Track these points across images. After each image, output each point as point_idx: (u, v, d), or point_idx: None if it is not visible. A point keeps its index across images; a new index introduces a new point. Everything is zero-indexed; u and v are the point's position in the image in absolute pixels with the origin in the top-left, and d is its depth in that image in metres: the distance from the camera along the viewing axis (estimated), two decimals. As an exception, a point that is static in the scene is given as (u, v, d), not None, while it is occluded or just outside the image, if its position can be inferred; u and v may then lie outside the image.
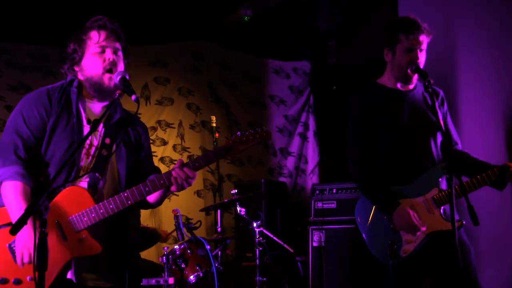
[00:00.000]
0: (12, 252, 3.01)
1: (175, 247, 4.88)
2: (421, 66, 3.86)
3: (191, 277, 4.76)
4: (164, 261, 4.70)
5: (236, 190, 5.56)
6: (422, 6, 5.61)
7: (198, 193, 7.28)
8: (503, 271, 5.02)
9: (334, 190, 5.96)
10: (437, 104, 3.71)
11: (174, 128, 7.30)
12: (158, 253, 5.92)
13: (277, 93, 8.01)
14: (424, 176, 3.79)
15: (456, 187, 3.56)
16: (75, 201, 3.05)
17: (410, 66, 3.83)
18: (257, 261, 5.21)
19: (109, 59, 3.21)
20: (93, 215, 3.03)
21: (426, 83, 3.63)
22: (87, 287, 3.11)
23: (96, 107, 3.29)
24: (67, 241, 3.02)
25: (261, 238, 5.24)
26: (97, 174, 3.14)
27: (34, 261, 2.54)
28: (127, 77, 3.16)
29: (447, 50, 5.41)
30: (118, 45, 3.28)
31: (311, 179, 7.84)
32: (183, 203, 6.91)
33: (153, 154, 6.91)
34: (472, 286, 3.66)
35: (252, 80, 7.95)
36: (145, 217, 6.23)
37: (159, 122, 7.22)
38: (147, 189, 3.09)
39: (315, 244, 5.86)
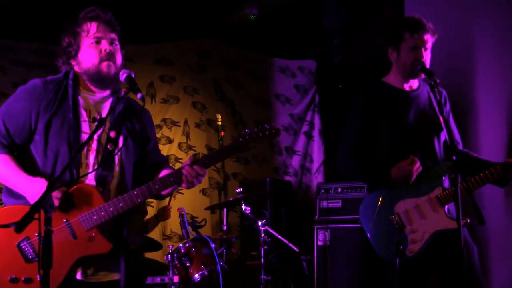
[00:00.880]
0: (21, 251, 3.00)
1: (180, 245, 4.88)
2: (427, 65, 3.86)
3: (196, 275, 4.76)
4: (169, 259, 4.70)
5: (241, 189, 5.55)
6: (428, 4, 5.59)
7: (203, 191, 7.28)
8: (506, 270, 5.01)
9: (339, 189, 5.95)
10: (446, 108, 3.72)
11: (179, 126, 7.30)
12: (163, 252, 5.92)
13: (282, 91, 8.01)
14: (427, 175, 3.79)
15: (463, 184, 3.57)
16: (84, 200, 3.04)
17: (416, 64, 3.82)
18: (262, 259, 5.21)
19: (105, 50, 3.17)
20: (102, 213, 3.02)
21: (432, 83, 3.63)
22: (93, 284, 3.11)
23: (95, 97, 3.25)
24: (77, 239, 3.02)
25: (266, 237, 5.24)
26: (104, 171, 3.13)
27: (39, 259, 2.54)
28: (133, 75, 3.13)
29: (454, 49, 5.39)
30: (113, 35, 3.23)
31: (317, 178, 7.83)
32: (189, 201, 6.91)
33: (159, 152, 7.00)
34: (476, 285, 3.66)
35: (257, 79, 7.94)
36: (150, 215, 6.22)
37: (164, 120, 7.22)
38: (156, 187, 3.09)
39: (320, 243, 5.86)
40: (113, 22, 3.25)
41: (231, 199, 5.59)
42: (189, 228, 5.06)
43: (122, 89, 3.13)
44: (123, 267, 3.19)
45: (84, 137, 3.13)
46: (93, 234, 3.03)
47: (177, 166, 7.08)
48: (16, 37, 6.58)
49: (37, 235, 2.88)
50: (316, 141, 7.97)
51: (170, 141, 7.21)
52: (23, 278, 2.97)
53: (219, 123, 6.20)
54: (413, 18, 3.96)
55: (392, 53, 3.98)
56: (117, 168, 3.20)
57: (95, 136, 3.17)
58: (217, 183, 7.31)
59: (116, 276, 3.18)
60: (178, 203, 6.32)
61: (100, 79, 3.20)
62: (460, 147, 4.04)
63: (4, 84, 6.44)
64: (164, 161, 3.48)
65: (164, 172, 3.29)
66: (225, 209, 5.92)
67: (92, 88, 3.25)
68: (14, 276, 2.97)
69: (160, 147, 6.98)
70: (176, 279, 4.61)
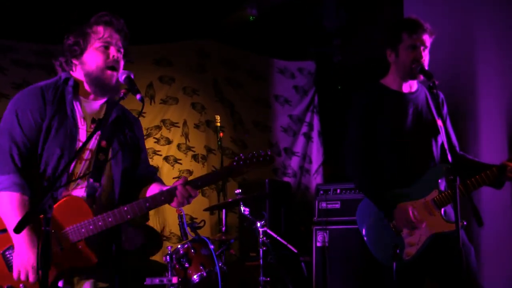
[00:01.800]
0: (6, 259, 2.99)
1: (179, 246, 4.88)
2: (426, 65, 3.86)
3: (195, 276, 4.76)
4: (168, 260, 4.69)
5: (240, 190, 5.55)
6: (426, 4, 5.59)
7: (202, 192, 7.28)
8: (503, 271, 5.02)
9: (338, 190, 5.95)
10: (444, 110, 3.72)
11: (178, 127, 7.30)
12: (161, 253, 5.91)
13: (282, 92, 8.01)
14: (423, 178, 3.80)
15: (460, 186, 3.57)
16: (73, 212, 3.03)
17: (415, 65, 3.82)
18: (261, 261, 5.20)
19: (113, 56, 3.16)
20: (91, 227, 3.01)
21: (431, 84, 3.62)
22: None
23: (93, 105, 3.24)
24: (63, 251, 3.00)
25: (264, 238, 5.24)
26: (95, 183, 3.11)
27: (38, 260, 2.53)
28: (132, 76, 3.12)
29: (453, 49, 5.40)
30: (121, 44, 3.22)
31: (315, 179, 7.83)
32: (187, 202, 6.90)
33: (158, 153, 7.02)
34: (473, 286, 3.66)
35: (257, 80, 7.94)
36: (149, 216, 6.23)
37: (163, 121, 7.21)
38: (147, 204, 3.07)
39: (319, 244, 5.86)
40: (125, 31, 3.25)
41: (230, 200, 5.59)
42: (188, 229, 5.05)
43: (121, 90, 3.12)
44: (117, 279, 3.19)
45: (80, 145, 3.12)
46: (80, 246, 3.02)
47: (176, 166, 7.09)
48: (16, 37, 6.58)
49: (37, 234, 2.91)
50: (315, 142, 7.96)
51: (169, 142, 7.20)
52: (5, 287, 2.95)
53: (218, 124, 6.20)
54: (411, 18, 3.97)
55: (391, 54, 3.98)
56: (106, 178, 3.19)
57: (89, 146, 3.16)
58: (216, 184, 7.30)
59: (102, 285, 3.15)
60: (177, 204, 6.31)
61: (100, 85, 3.17)
62: (457, 150, 4.04)
63: (4, 84, 6.45)
64: (153, 173, 3.46)
65: (154, 187, 3.27)
66: (224, 210, 5.92)
67: (91, 94, 3.22)
68: None
69: (159, 147, 7.02)
70: (175, 280, 4.60)
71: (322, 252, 5.81)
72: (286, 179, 7.77)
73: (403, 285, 3.67)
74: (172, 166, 7.06)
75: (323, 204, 5.95)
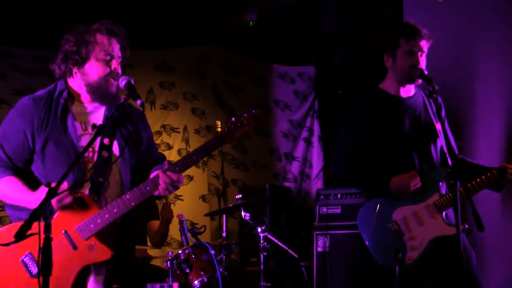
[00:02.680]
0: (26, 266, 3.03)
1: (180, 251, 4.87)
2: (424, 70, 3.87)
3: (196, 282, 4.76)
4: (169, 265, 4.69)
5: (240, 195, 5.55)
6: (427, 8, 5.60)
7: (203, 198, 7.28)
8: (504, 273, 5.02)
9: (339, 195, 5.95)
10: (442, 114, 3.73)
11: (179, 132, 7.31)
12: (162, 258, 5.91)
13: (282, 97, 8.01)
14: (424, 181, 3.79)
15: (461, 189, 3.58)
16: (80, 209, 3.04)
17: (414, 70, 3.83)
18: (262, 266, 5.20)
19: (115, 69, 3.17)
20: (98, 221, 3.02)
21: (431, 88, 3.63)
22: None
23: (89, 109, 3.24)
24: (77, 249, 3.02)
25: (265, 243, 5.23)
26: (99, 179, 3.12)
27: (38, 267, 2.54)
28: (133, 81, 3.13)
29: (453, 51, 5.40)
30: (121, 54, 3.23)
31: (316, 184, 7.82)
32: (188, 208, 6.91)
33: (158, 158, 7.00)
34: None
35: (257, 85, 7.95)
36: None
37: (164, 126, 7.22)
38: (148, 188, 3.05)
39: (319, 249, 5.85)
40: (126, 41, 3.25)
41: (230, 205, 5.59)
42: (189, 235, 5.06)
43: (122, 96, 3.13)
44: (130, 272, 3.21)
45: (81, 147, 3.13)
46: (92, 242, 3.03)
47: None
48: (17, 44, 6.59)
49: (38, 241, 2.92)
50: (316, 147, 7.97)
51: (169, 147, 7.21)
52: None
53: (219, 129, 6.17)
54: (409, 24, 3.97)
55: (388, 59, 3.99)
56: (115, 177, 3.19)
57: (96, 147, 3.17)
58: (216, 189, 7.30)
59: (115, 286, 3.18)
60: (177, 209, 6.31)
61: (101, 94, 3.19)
62: (456, 153, 4.04)
63: (5, 90, 6.45)
64: (158, 159, 3.41)
65: (154, 173, 3.23)
66: (224, 216, 5.92)
67: (88, 100, 3.22)
68: None
69: (160, 153, 7.01)
70: (175, 285, 4.60)
71: (323, 257, 5.81)
72: (286, 184, 7.76)
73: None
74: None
75: (324, 209, 5.94)
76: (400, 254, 3.58)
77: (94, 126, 3.19)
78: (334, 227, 5.84)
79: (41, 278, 2.49)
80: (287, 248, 5.64)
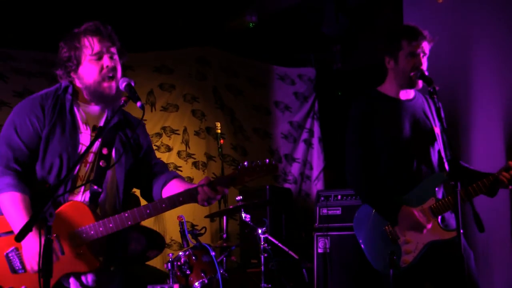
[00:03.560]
0: (9, 261, 3.02)
1: (180, 253, 4.88)
2: (425, 72, 3.87)
3: (196, 283, 4.76)
4: (169, 267, 4.69)
5: (241, 197, 5.55)
6: (426, 11, 5.61)
7: (203, 199, 7.27)
8: (503, 274, 5.02)
9: (339, 197, 5.95)
10: (441, 113, 3.72)
11: (179, 134, 7.31)
12: (163, 260, 5.91)
13: (282, 99, 8.02)
14: (421, 185, 3.80)
15: (461, 193, 3.57)
16: (76, 217, 3.04)
17: (415, 71, 3.83)
18: (262, 267, 5.20)
19: (107, 66, 3.16)
20: (92, 232, 3.02)
21: (431, 90, 3.62)
22: None
23: (93, 109, 3.25)
24: (65, 255, 3.01)
25: (266, 245, 5.24)
26: (97, 188, 3.12)
27: (39, 268, 2.54)
28: (133, 83, 3.13)
29: (453, 52, 5.41)
30: (113, 49, 3.21)
31: (316, 186, 7.83)
32: (188, 209, 6.88)
33: (158, 160, 7.00)
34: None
35: (257, 86, 7.95)
36: (150, 223, 6.23)
37: (164, 128, 7.22)
38: (148, 211, 3.07)
39: (320, 250, 5.85)
40: (113, 36, 3.23)
41: (231, 207, 5.59)
42: (189, 236, 5.05)
43: (122, 98, 3.13)
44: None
45: (83, 149, 3.13)
46: (81, 251, 3.03)
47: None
48: (17, 46, 6.59)
49: (36, 241, 2.91)
50: (316, 149, 7.97)
51: (169, 149, 7.21)
52: None
53: (219, 131, 6.21)
54: (410, 26, 3.98)
55: (389, 61, 3.98)
56: (109, 183, 3.20)
57: (93, 149, 3.18)
58: (216, 190, 7.29)
59: None
60: (177, 211, 6.29)
61: (100, 97, 3.19)
62: (455, 157, 4.03)
63: (5, 92, 6.45)
64: (162, 167, 3.46)
65: (171, 187, 3.28)
66: (225, 217, 5.92)
67: (91, 100, 3.23)
68: None
69: (160, 155, 7.01)
70: (176, 287, 4.60)
71: (323, 258, 5.81)
72: (286, 185, 7.77)
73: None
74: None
75: (324, 210, 5.94)
76: (395, 257, 3.57)
77: (94, 127, 3.20)
78: (334, 228, 5.84)
79: (41, 280, 2.49)
80: (287, 250, 5.65)
